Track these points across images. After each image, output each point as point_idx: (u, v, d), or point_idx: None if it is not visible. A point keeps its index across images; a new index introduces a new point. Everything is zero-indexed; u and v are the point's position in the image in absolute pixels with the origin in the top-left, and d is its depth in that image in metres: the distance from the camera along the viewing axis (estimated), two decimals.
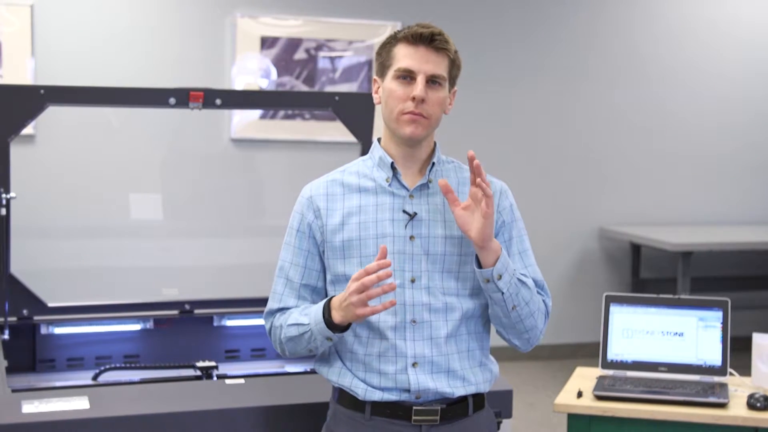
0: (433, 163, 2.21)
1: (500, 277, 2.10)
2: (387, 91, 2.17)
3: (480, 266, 2.11)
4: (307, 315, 2.16)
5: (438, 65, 2.15)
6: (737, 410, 2.85)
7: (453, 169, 2.27)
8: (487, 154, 6.03)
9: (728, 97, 6.60)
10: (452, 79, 2.21)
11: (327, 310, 2.11)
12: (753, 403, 2.85)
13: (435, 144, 2.25)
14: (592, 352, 5.13)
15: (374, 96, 2.23)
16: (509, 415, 2.65)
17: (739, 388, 3.02)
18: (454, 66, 2.20)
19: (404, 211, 2.18)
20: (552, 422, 4.93)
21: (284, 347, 2.23)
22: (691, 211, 6.61)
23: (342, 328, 2.12)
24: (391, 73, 2.16)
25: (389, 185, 2.20)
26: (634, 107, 6.44)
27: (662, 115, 6.50)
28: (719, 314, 3.07)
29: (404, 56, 2.14)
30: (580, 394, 2.93)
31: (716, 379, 3.02)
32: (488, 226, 2.07)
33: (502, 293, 2.12)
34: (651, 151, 6.50)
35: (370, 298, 2.03)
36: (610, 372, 3.07)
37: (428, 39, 2.14)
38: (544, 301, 2.24)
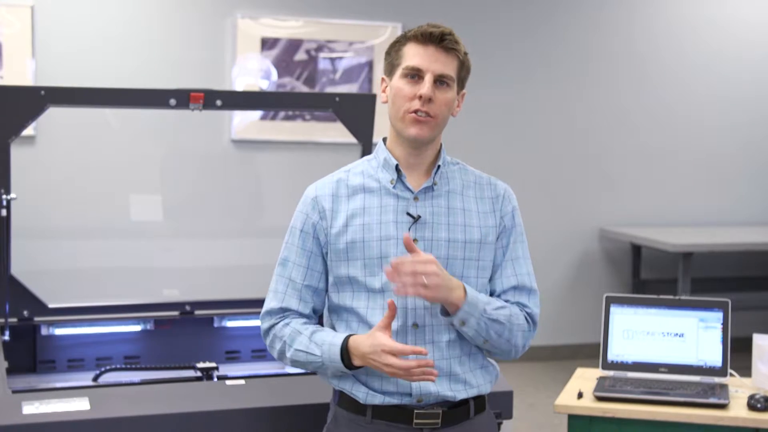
0: (439, 166, 2.20)
1: (463, 323, 2.11)
2: (394, 89, 2.15)
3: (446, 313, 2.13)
4: (319, 346, 2.13)
5: (447, 65, 2.13)
6: (738, 411, 2.85)
7: (458, 171, 2.25)
8: (487, 155, 6.05)
9: (728, 97, 6.60)
10: (461, 81, 2.19)
11: (345, 353, 2.10)
12: (753, 403, 2.85)
13: (441, 145, 2.24)
14: (592, 352, 5.13)
15: (381, 95, 2.22)
16: (510, 416, 2.65)
17: (739, 388, 3.02)
18: (463, 67, 2.18)
19: (408, 214, 2.17)
20: (552, 423, 4.93)
21: (284, 360, 2.21)
22: (691, 212, 6.60)
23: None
24: (399, 72, 2.15)
25: (393, 187, 2.19)
26: (634, 107, 6.44)
27: (662, 115, 6.50)
28: (719, 315, 3.07)
29: (413, 55, 2.13)
30: (580, 395, 2.93)
31: (717, 380, 3.02)
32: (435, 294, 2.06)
33: (470, 334, 2.13)
34: (651, 152, 6.50)
35: (410, 377, 2.04)
36: (610, 373, 3.07)
37: (438, 38, 2.12)
38: (528, 315, 2.22)
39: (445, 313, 2.12)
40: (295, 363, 2.20)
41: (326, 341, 2.13)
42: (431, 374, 2.03)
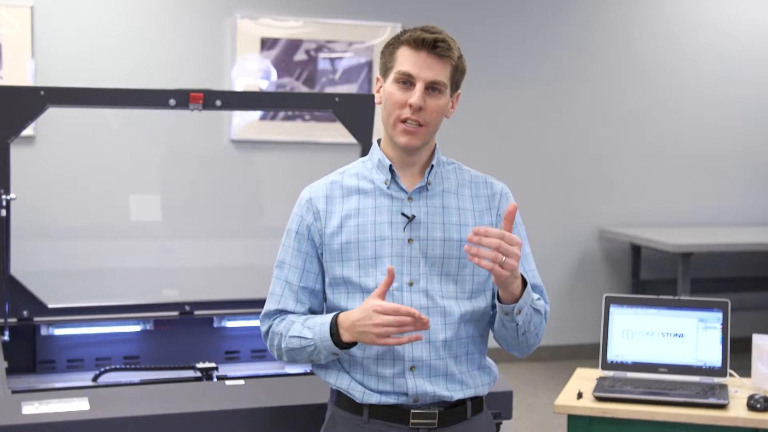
0: (432, 166, 2.20)
1: (519, 311, 2.08)
2: (386, 93, 2.15)
3: (500, 299, 2.09)
4: (311, 329, 2.14)
5: (439, 72, 2.12)
6: (737, 411, 2.85)
7: (453, 171, 2.26)
8: (486, 156, 6.05)
9: (728, 97, 6.60)
10: (455, 84, 2.18)
11: (335, 328, 2.10)
12: (753, 404, 2.85)
13: (435, 146, 2.24)
14: (592, 353, 5.14)
15: (376, 95, 2.23)
16: (509, 416, 2.65)
17: (739, 389, 3.03)
18: (457, 71, 2.17)
19: (403, 214, 2.17)
20: (552, 423, 4.93)
21: (282, 355, 2.22)
22: (691, 213, 6.61)
23: (350, 344, 2.11)
24: (392, 76, 2.14)
25: (388, 188, 2.19)
26: (633, 108, 6.44)
27: (662, 116, 6.50)
28: (719, 315, 3.07)
29: (405, 60, 2.12)
30: (580, 395, 2.94)
31: (716, 380, 3.02)
32: (506, 277, 2.02)
33: (517, 324, 2.11)
34: (651, 152, 6.50)
35: (396, 333, 2.01)
36: (610, 373, 3.07)
37: (431, 45, 2.11)
38: (545, 311, 2.24)
39: (499, 299, 2.09)
40: (290, 351, 2.19)
41: (318, 323, 2.14)
42: (423, 322, 1.98)
